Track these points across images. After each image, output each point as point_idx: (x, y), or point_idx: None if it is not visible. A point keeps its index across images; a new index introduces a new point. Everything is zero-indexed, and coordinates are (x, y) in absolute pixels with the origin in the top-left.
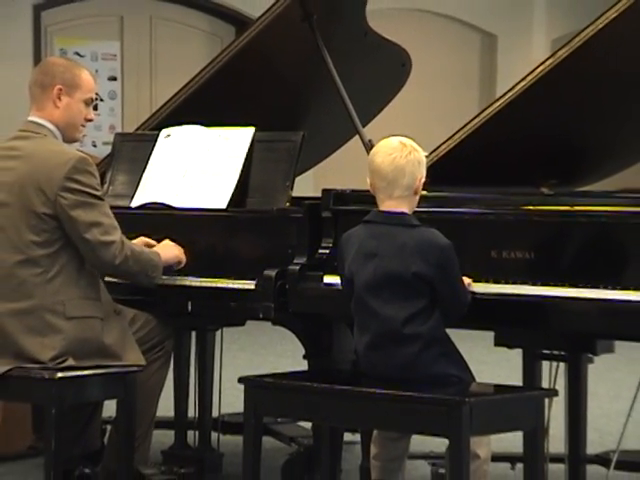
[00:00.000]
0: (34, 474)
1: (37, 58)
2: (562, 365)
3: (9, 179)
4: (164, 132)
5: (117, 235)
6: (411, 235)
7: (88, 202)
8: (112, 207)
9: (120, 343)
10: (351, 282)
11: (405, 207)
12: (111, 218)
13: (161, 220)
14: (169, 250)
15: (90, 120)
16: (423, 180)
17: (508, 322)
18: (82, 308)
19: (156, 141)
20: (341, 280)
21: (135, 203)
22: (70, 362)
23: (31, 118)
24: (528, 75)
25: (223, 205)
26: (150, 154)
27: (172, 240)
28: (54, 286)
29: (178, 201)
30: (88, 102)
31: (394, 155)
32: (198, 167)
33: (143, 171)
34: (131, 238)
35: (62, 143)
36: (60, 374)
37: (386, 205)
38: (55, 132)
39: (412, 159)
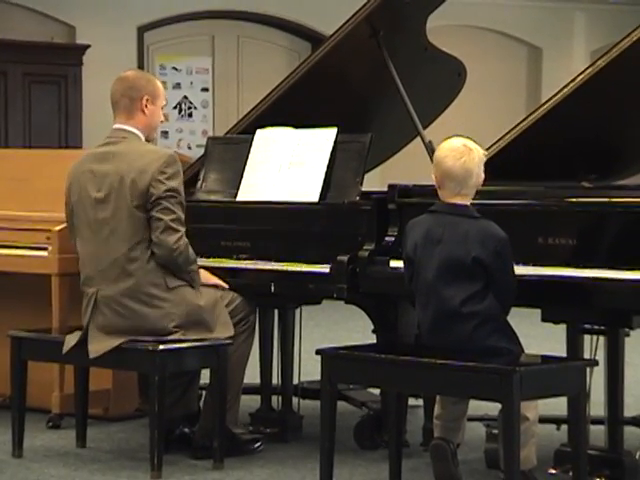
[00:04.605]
0: (141, 432)
1: None
2: (602, 338)
3: (109, 178)
4: (259, 132)
5: (183, 229)
6: (473, 225)
7: (173, 194)
8: (205, 201)
9: (211, 309)
10: (413, 262)
11: (467, 200)
12: (183, 213)
13: (252, 211)
14: (209, 275)
15: (162, 121)
16: (483, 177)
17: (553, 300)
18: (177, 279)
19: (252, 141)
20: (404, 261)
21: (241, 198)
22: (179, 334)
23: (118, 126)
24: (570, 82)
25: (315, 198)
26: (248, 153)
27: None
28: (152, 265)
29: (275, 193)
30: (163, 107)
31: (464, 159)
32: (290, 160)
33: (244, 167)
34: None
35: (149, 144)
36: (162, 347)
37: (451, 199)
38: (140, 135)
39: (477, 161)
